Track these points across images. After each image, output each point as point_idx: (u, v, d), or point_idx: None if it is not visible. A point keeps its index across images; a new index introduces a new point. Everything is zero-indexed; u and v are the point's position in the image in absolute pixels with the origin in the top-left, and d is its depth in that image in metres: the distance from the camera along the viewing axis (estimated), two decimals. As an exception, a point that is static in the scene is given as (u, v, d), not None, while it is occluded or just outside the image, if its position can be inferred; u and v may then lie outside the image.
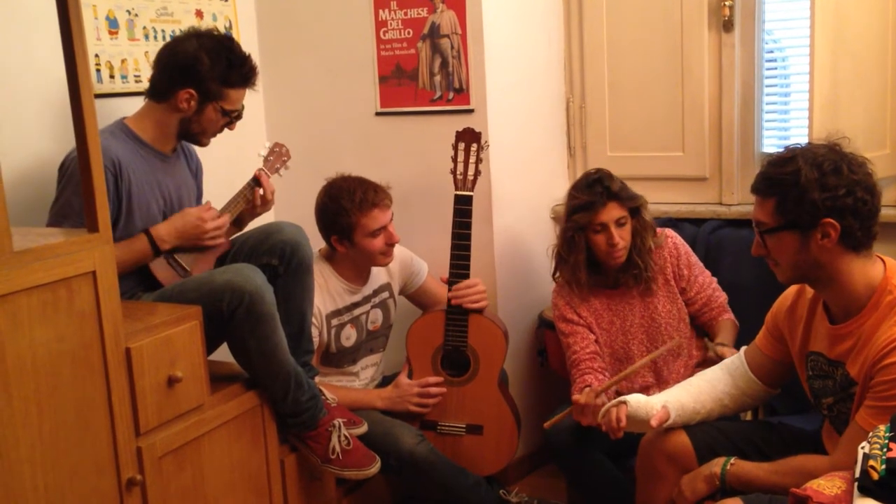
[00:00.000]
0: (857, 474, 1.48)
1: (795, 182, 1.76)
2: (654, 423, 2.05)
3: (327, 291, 2.65)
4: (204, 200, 2.51)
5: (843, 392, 1.84)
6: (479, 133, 2.68)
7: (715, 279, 2.63)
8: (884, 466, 1.44)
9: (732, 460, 1.91)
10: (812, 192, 1.75)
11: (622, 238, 2.47)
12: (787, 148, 1.87)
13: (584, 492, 2.59)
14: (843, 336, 1.83)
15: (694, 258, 2.62)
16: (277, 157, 2.59)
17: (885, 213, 2.63)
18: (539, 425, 2.49)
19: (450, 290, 2.67)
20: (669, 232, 2.63)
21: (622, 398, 2.11)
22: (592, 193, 2.46)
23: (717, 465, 1.91)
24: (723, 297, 2.61)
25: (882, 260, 1.84)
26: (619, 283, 2.57)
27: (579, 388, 2.46)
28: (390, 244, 2.64)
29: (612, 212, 2.46)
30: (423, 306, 2.88)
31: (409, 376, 2.72)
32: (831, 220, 1.75)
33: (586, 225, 2.48)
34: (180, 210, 2.34)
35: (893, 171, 2.71)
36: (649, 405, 2.08)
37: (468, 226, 2.64)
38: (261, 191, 2.47)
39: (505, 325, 2.77)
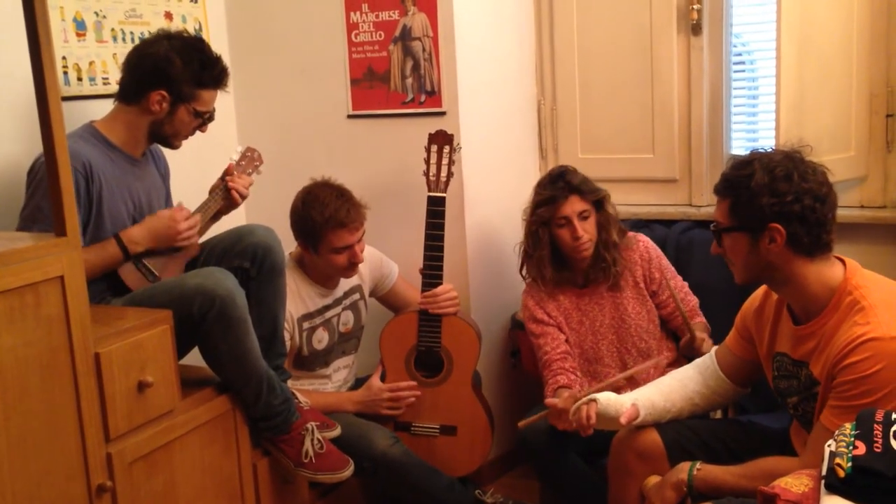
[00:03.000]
0: (824, 472, 1.50)
1: (748, 185, 1.80)
2: (623, 420, 2.07)
3: (298, 295, 2.64)
4: (175, 203, 2.49)
5: (807, 391, 1.87)
6: (452, 135, 2.69)
7: (686, 284, 2.66)
8: (850, 464, 1.46)
9: (698, 465, 1.92)
10: (761, 197, 1.79)
11: (586, 231, 2.50)
12: (751, 151, 1.90)
13: (557, 492, 2.60)
14: (806, 336, 1.86)
15: (665, 262, 2.65)
16: (249, 161, 2.57)
17: (851, 213, 2.71)
18: (513, 426, 2.50)
19: (422, 295, 2.67)
20: (641, 236, 2.66)
21: (592, 396, 2.12)
22: (555, 188, 2.51)
23: (683, 472, 1.92)
24: (694, 300, 2.64)
25: (842, 261, 1.87)
26: (589, 280, 2.59)
27: (552, 389, 2.48)
28: (354, 263, 2.61)
29: (575, 205, 2.49)
30: (394, 308, 2.88)
31: (382, 378, 2.71)
32: (777, 226, 1.79)
33: (549, 219, 2.51)
34: (150, 213, 2.32)
35: (858, 173, 2.76)
36: (619, 403, 2.10)
37: (441, 227, 2.65)
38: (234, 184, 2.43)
39: (478, 326, 2.78)
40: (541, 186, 2.57)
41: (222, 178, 2.45)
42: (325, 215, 2.53)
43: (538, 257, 2.56)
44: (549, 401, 2.28)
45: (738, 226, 1.84)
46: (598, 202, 2.55)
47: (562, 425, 2.24)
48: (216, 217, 2.46)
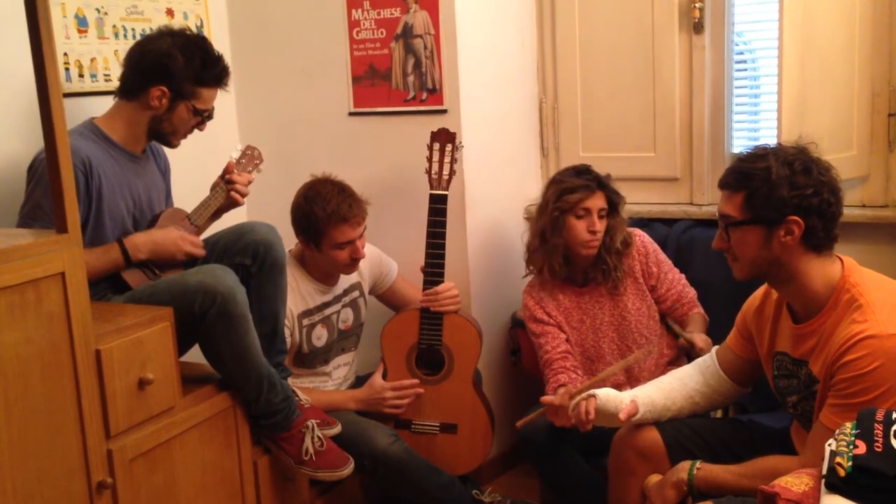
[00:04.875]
0: (824, 471, 1.50)
1: (766, 178, 1.79)
2: (622, 416, 2.06)
3: (298, 292, 2.64)
4: (175, 202, 2.50)
5: (807, 390, 1.87)
6: (454, 133, 2.69)
7: (683, 276, 2.67)
8: (850, 463, 1.46)
9: (698, 464, 1.92)
10: (781, 189, 1.78)
11: (600, 229, 2.50)
12: (757, 146, 1.89)
13: (557, 491, 2.60)
14: (806, 335, 1.86)
15: (662, 255, 2.65)
16: (249, 159, 2.57)
17: (852, 213, 2.70)
18: (513, 424, 2.50)
19: (423, 293, 2.68)
20: (637, 231, 2.66)
21: (591, 392, 2.12)
22: (585, 179, 2.53)
23: (683, 471, 1.92)
24: (692, 292, 2.65)
25: (840, 259, 1.87)
26: (588, 279, 2.60)
27: (553, 388, 2.48)
28: (355, 259, 2.62)
29: (598, 200, 2.52)
30: (394, 306, 2.88)
31: (384, 376, 2.71)
32: (796, 218, 1.78)
33: (571, 208, 2.51)
34: (150, 210, 2.33)
35: (860, 172, 2.76)
36: (618, 399, 2.10)
37: (443, 224, 2.65)
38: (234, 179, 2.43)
39: (479, 324, 2.78)
40: (564, 175, 2.58)
41: (222, 176, 2.45)
42: (327, 210, 2.53)
43: (553, 245, 2.55)
44: (544, 398, 2.28)
45: (752, 219, 1.83)
46: (615, 205, 2.56)
47: (559, 422, 2.24)
48: (217, 214, 2.46)
